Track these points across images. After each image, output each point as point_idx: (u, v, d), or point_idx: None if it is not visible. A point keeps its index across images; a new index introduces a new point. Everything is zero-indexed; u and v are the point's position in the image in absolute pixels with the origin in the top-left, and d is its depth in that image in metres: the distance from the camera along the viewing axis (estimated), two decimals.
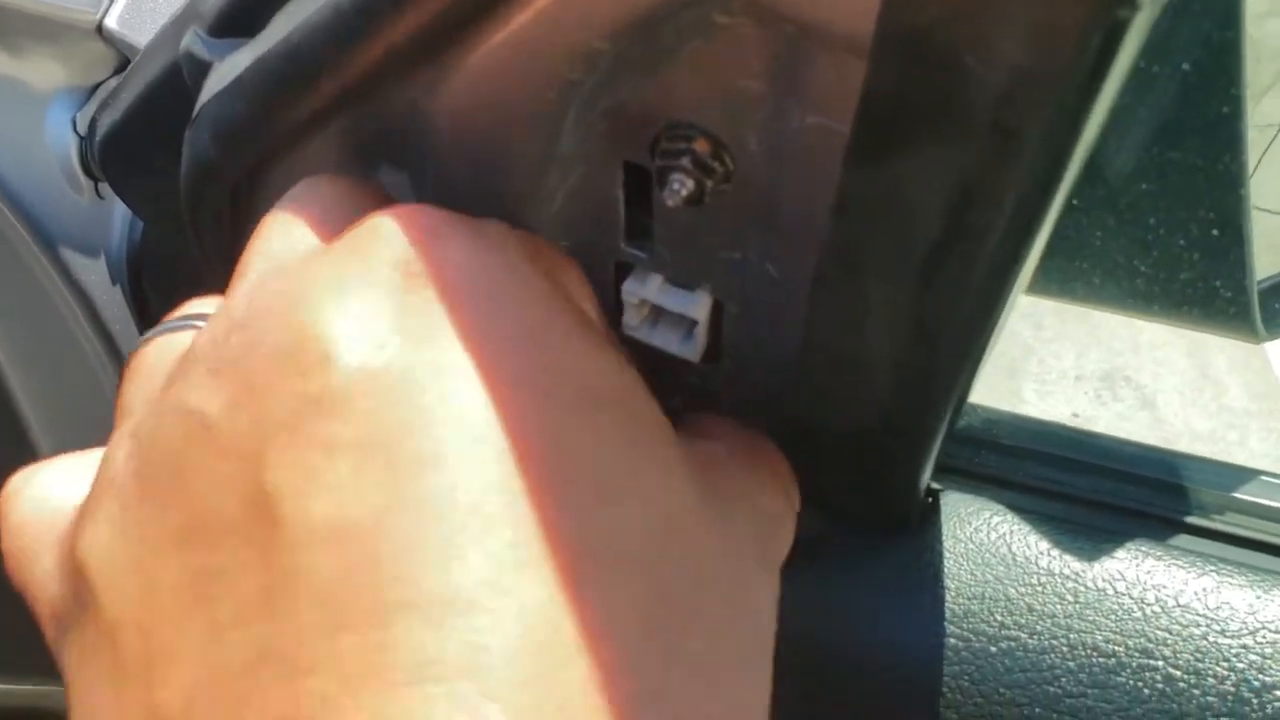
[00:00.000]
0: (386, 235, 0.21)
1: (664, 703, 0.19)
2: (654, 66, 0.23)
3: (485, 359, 0.20)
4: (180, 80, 0.31)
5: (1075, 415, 2.01)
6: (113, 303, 0.48)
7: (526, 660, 0.18)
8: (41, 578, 0.23)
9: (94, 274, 0.47)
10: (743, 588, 0.23)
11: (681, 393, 0.33)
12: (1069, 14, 0.17)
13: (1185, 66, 0.28)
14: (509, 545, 0.19)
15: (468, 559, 0.18)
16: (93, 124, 0.40)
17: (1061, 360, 2.08)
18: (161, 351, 0.24)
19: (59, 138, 0.46)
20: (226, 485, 0.19)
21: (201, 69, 0.30)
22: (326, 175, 0.26)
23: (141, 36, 0.45)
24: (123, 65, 0.47)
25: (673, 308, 0.29)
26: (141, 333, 0.49)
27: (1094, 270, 0.32)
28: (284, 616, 0.18)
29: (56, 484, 0.25)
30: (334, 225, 0.23)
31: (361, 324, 0.20)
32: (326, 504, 0.19)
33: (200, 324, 0.25)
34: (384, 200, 0.26)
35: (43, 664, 0.50)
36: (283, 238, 0.24)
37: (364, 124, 0.28)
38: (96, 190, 0.47)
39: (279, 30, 0.26)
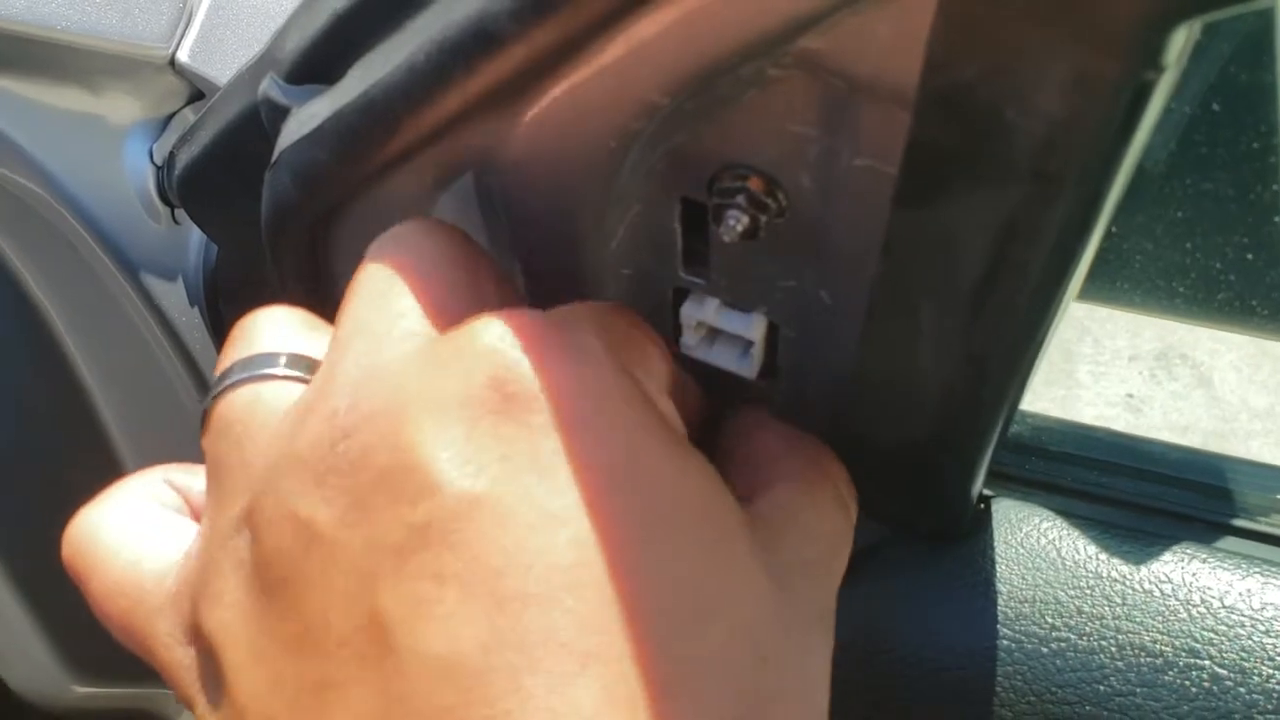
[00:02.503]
0: (484, 351, 0.22)
1: None
2: (711, 114, 0.25)
3: (579, 490, 0.21)
4: (257, 122, 0.33)
5: (1130, 396, 1.99)
6: (191, 324, 0.49)
7: None
8: (166, 640, 0.24)
9: (173, 297, 0.49)
10: (808, 667, 0.24)
11: (740, 407, 0.34)
12: (1102, 72, 0.18)
13: (1215, 107, 0.29)
14: (606, 685, 0.19)
15: (568, 697, 0.19)
16: (171, 157, 0.42)
17: (1116, 340, 2.06)
18: (248, 408, 0.25)
19: (137, 168, 0.48)
20: (340, 601, 0.20)
21: (279, 113, 0.31)
22: (419, 226, 0.26)
23: (212, 69, 0.47)
24: (194, 96, 0.49)
25: (729, 329, 0.30)
26: (219, 351, 0.51)
27: (1134, 290, 0.33)
28: None
29: (128, 536, 0.26)
30: (431, 299, 0.24)
31: (462, 451, 0.21)
32: (436, 635, 0.20)
33: (277, 371, 0.26)
34: (474, 255, 0.26)
35: (135, 669, 0.52)
36: (379, 310, 0.24)
37: (438, 165, 0.29)
38: (173, 217, 0.49)
39: (355, 85, 0.27)
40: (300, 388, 0.25)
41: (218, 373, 0.27)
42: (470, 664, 0.19)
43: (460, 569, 0.20)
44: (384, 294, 0.24)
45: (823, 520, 0.28)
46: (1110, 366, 2.04)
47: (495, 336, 0.22)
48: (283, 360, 0.26)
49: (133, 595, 0.25)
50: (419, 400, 0.21)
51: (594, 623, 0.20)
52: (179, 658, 0.24)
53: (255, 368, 0.26)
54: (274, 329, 0.27)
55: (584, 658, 0.19)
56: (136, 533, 0.26)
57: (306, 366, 0.26)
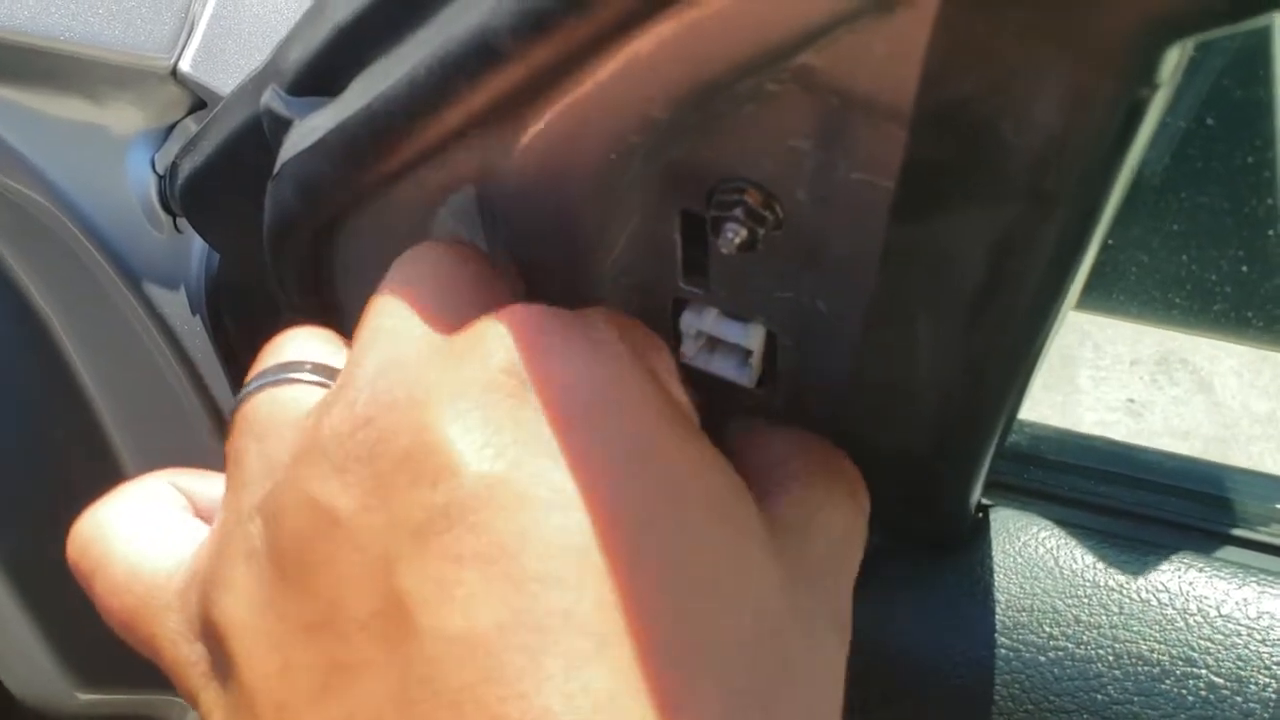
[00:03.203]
0: (499, 340, 0.22)
1: None
2: (709, 129, 0.25)
3: (595, 473, 0.21)
4: (259, 132, 0.33)
5: (1131, 401, 2.00)
6: (193, 332, 0.50)
7: None
8: (173, 636, 0.24)
9: (175, 305, 0.49)
10: (821, 663, 0.25)
11: (738, 414, 0.34)
12: (1098, 89, 0.19)
13: (1210, 121, 0.29)
14: (620, 666, 0.20)
15: (586, 677, 0.19)
16: (173, 167, 0.42)
17: (1116, 345, 2.06)
18: (273, 408, 0.25)
19: (139, 177, 0.48)
20: (358, 584, 0.21)
21: (282, 124, 0.32)
22: (435, 245, 0.27)
23: (214, 78, 0.47)
24: (196, 106, 0.49)
25: (728, 338, 0.30)
26: (221, 358, 0.52)
27: (1131, 301, 0.33)
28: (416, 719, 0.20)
29: (135, 535, 0.26)
30: (446, 309, 0.25)
31: (481, 434, 0.21)
32: (456, 616, 0.20)
33: (303, 375, 0.26)
34: (488, 271, 0.27)
35: (138, 675, 0.53)
36: (398, 318, 0.24)
37: (440, 176, 0.29)
38: (175, 225, 0.50)
39: (357, 98, 0.28)
40: (323, 392, 0.25)
41: (246, 382, 0.27)
42: (489, 644, 0.20)
43: (480, 550, 0.20)
44: (403, 303, 0.25)
45: (836, 518, 0.28)
46: (1111, 371, 2.04)
47: (512, 326, 0.23)
48: (307, 367, 0.27)
49: (138, 592, 0.25)
50: (437, 387, 0.22)
51: (609, 604, 0.20)
52: (185, 654, 0.24)
53: (280, 373, 0.26)
54: (300, 343, 0.28)
55: (600, 639, 0.20)
56: (143, 531, 0.27)
57: (330, 375, 0.26)
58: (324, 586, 0.21)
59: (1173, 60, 0.18)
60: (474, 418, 0.21)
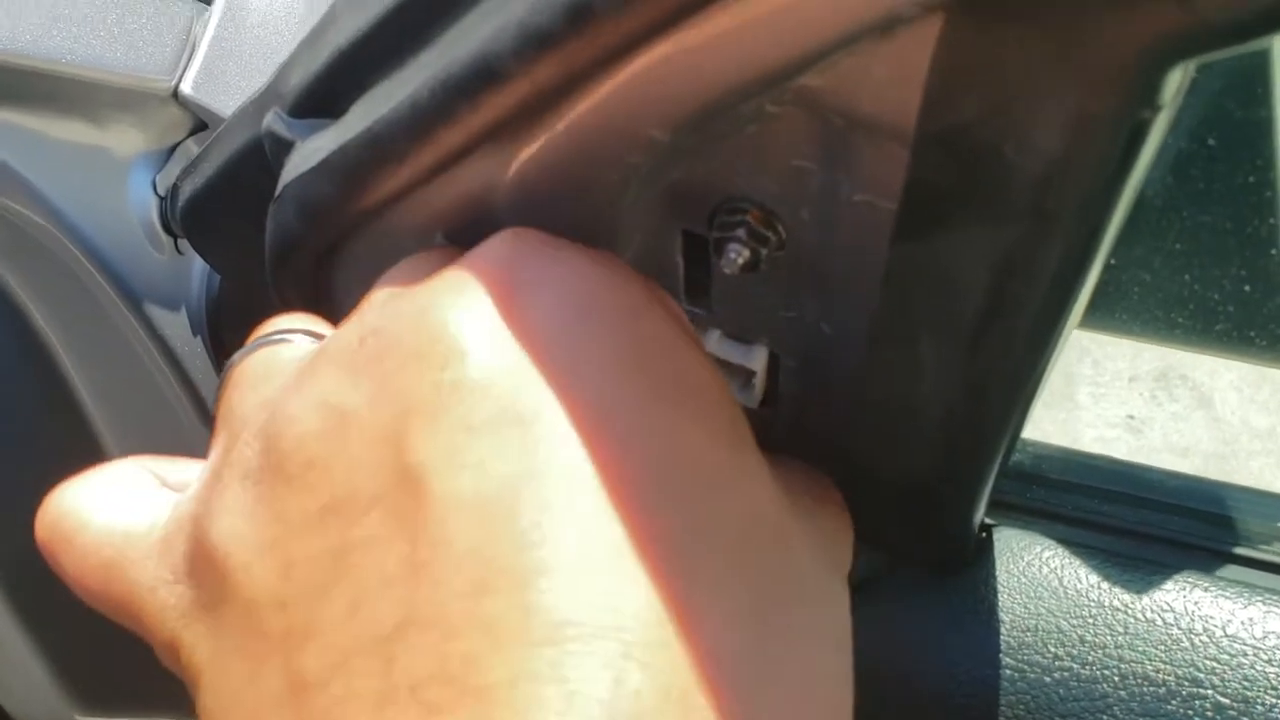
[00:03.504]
0: (501, 246, 0.23)
1: (767, 687, 0.21)
2: (711, 149, 0.25)
3: (601, 354, 0.22)
4: (261, 154, 0.33)
5: (1131, 417, 1.99)
6: (194, 353, 0.50)
7: (655, 626, 0.19)
8: (151, 584, 0.24)
9: (176, 326, 0.49)
10: (826, 592, 0.25)
11: None
12: (1100, 111, 0.19)
13: (1211, 142, 0.30)
14: (629, 520, 0.20)
15: (599, 525, 0.20)
16: (174, 189, 0.42)
17: (1116, 361, 2.06)
18: (267, 361, 0.26)
19: (140, 199, 0.48)
20: (369, 467, 0.21)
21: (283, 147, 0.32)
22: (430, 251, 0.27)
23: (215, 100, 0.47)
24: (198, 127, 0.50)
25: (731, 359, 0.30)
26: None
27: (1134, 320, 0.33)
28: (429, 583, 0.19)
29: (108, 504, 0.26)
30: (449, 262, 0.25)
31: (490, 323, 0.22)
32: (471, 477, 0.20)
33: (296, 337, 0.26)
34: None
35: (139, 699, 0.52)
36: (403, 273, 0.25)
37: (442, 198, 0.29)
38: (176, 247, 0.50)
39: (359, 120, 0.28)
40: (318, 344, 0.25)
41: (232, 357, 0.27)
42: (501, 500, 0.20)
43: (490, 417, 0.20)
44: (403, 269, 0.26)
45: (825, 514, 0.29)
46: (1110, 388, 2.04)
47: (511, 235, 0.24)
48: (300, 331, 0.27)
49: (116, 545, 0.25)
50: (446, 291, 0.22)
51: (619, 465, 0.20)
52: (164, 599, 0.23)
53: (273, 337, 0.27)
54: (292, 318, 0.28)
55: (609, 495, 0.20)
56: (115, 499, 0.26)
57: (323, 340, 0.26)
58: (332, 478, 0.21)
59: (1174, 82, 0.18)
60: (481, 309, 0.22)
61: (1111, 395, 2.03)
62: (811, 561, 0.24)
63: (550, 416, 0.21)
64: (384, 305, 0.23)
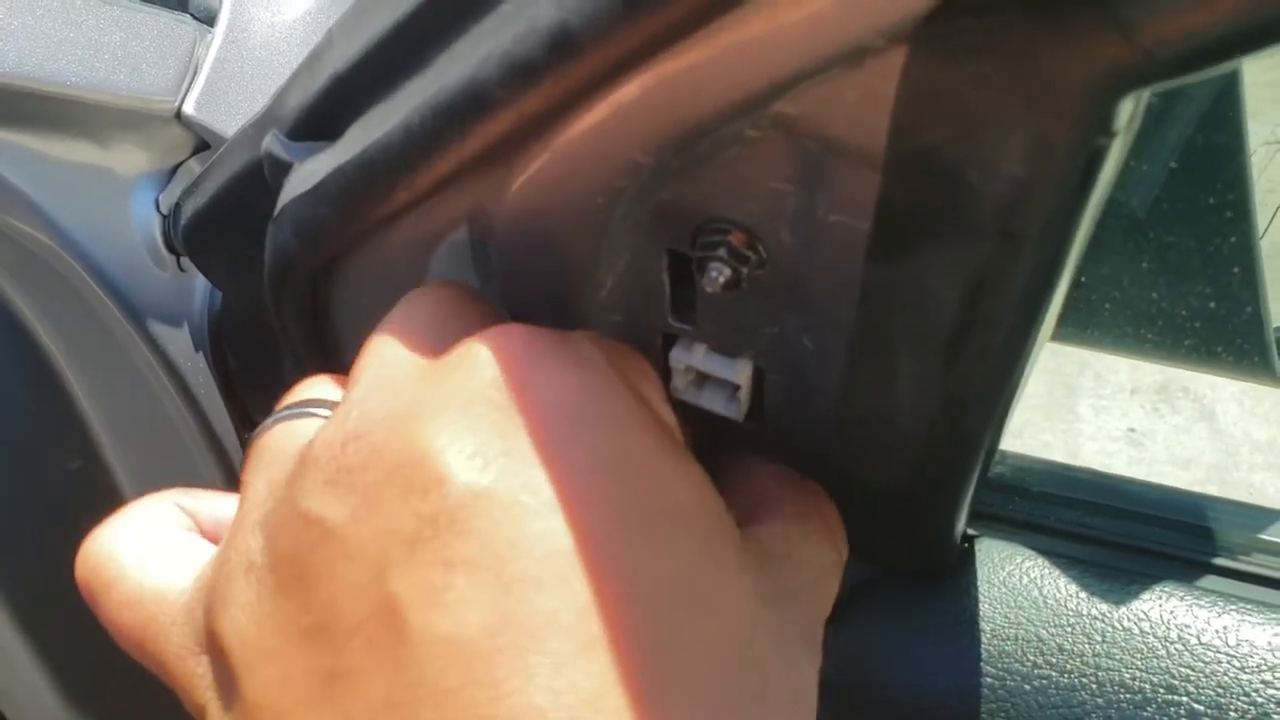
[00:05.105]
0: (486, 358, 0.23)
1: None
2: (693, 172, 0.26)
3: (575, 481, 0.22)
4: (260, 175, 0.34)
5: (1132, 430, 1.99)
6: (196, 369, 0.50)
7: None
8: (179, 651, 0.25)
9: (178, 342, 0.50)
10: (794, 679, 0.25)
11: (728, 448, 0.35)
12: (1057, 138, 0.20)
13: (1173, 165, 0.30)
14: (604, 667, 0.20)
15: (571, 677, 0.20)
16: (177, 208, 0.43)
17: (1117, 374, 2.06)
18: (283, 439, 0.26)
19: (143, 217, 0.49)
20: (352, 592, 0.21)
21: (282, 168, 0.32)
22: (432, 286, 0.28)
23: (217, 120, 0.48)
24: (200, 147, 0.50)
25: (717, 373, 0.31)
26: (223, 395, 0.52)
27: (1105, 336, 0.34)
28: None
29: (143, 554, 0.27)
30: (439, 339, 0.25)
31: (468, 444, 0.22)
32: (446, 619, 0.20)
33: (317, 411, 0.27)
34: (483, 309, 0.28)
35: (141, 708, 0.53)
36: (392, 346, 0.25)
37: (434, 220, 0.30)
38: (179, 264, 0.50)
39: (355, 143, 0.29)
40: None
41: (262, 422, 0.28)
42: (478, 645, 0.20)
43: (469, 555, 0.21)
44: (397, 335, 0.26)
45: (813, 554, 0.29)
46: (1112, 400, 2.04)
47: (498, 342, 0.23)
48: (321, 404, 0.28)
49: (148, 607, 0.26)
50: (426, 401, 0.23)
51: (594, 607, 0.21)
52: (191, 668, 0.25)
53: (294, 410, 0.27)
54: (317, 385, 0.29)
55: (586, 640, 0.20)
56: (149, 550, 0.27)
57: None
58: (319, 596, 0.22)
59: (1127, 110, 0.19)
60: (461, 428, 0.22)
61: (1113, 408, 2.03)
62: (783, 654, 0.25)
63: (526, 553, 0.21)
64: (368, 397, 0.24)
